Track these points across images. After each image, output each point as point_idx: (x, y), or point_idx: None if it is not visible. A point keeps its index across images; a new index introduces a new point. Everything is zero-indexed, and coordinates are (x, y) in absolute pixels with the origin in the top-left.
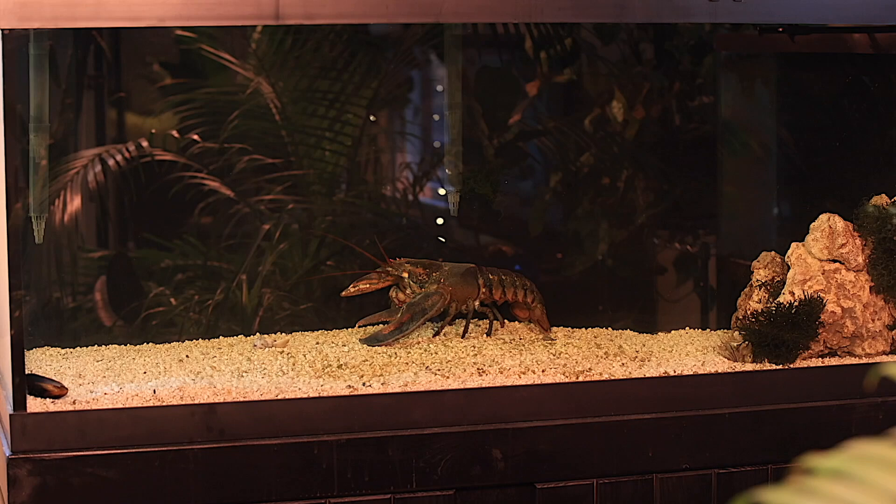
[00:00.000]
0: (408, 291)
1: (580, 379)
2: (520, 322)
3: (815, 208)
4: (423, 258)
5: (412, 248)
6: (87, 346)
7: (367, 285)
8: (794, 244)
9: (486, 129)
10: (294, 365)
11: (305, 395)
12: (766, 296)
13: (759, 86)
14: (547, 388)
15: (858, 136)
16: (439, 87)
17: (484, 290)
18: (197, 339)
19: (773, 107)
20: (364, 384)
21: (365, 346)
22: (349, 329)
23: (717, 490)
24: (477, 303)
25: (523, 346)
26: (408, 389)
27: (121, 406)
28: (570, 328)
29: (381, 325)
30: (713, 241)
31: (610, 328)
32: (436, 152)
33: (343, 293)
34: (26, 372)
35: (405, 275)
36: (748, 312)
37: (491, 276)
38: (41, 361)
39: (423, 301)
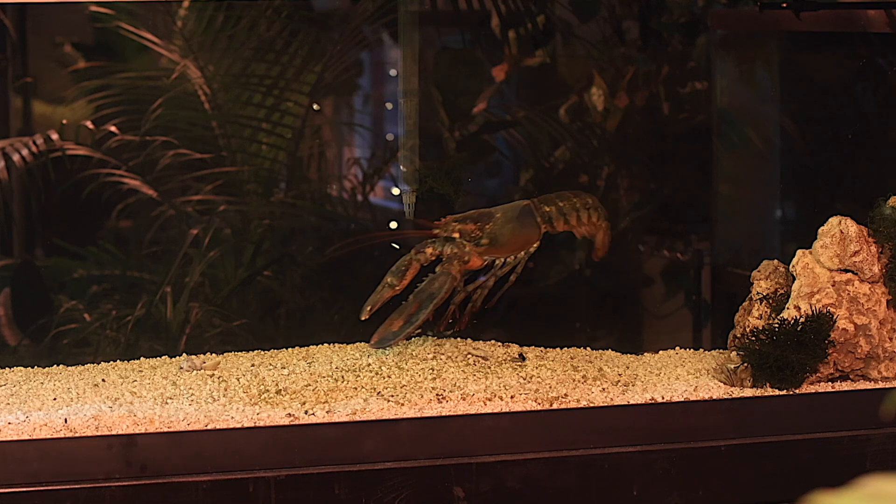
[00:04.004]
0: (465, 249)
1: (554, 406)
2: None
3: (824, 210)
4: (472, 210)
5: (362, 254)
6: None
7: (389, 293)
8: (799, 252)
9: (446, 120)
10: (226, 390)
11: (239, 425)
12: (768, 311)
13: (760, 70)
14: (516, 416)
15: (873, 128)
16: (393, 72)
17: (545, 226)
18: (115, 361)
19: (775, 94)
20: (306, 412)
21: (377, 350)
22: (288, 349)
23: None
24: (538, 244)
25: (489, 368)
26: (357, 418)
27: (27, 437)
28: (542, 348)
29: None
30: (707, 248)
31: (589, 348)
32: (389, 146)
33: (363, 316)
34: None
35: (456, 235)
36: (747, 330)
37: (547, 209)
38: None
39: (428, 286)
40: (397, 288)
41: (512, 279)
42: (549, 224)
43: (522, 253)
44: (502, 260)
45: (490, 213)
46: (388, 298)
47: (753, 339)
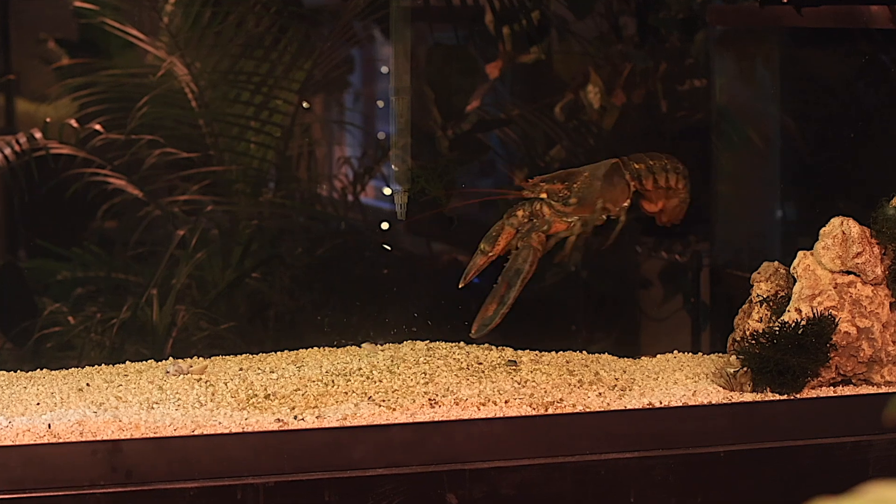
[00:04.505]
0: (546, 217)
1: (550, 411)
2: (647, 214)
3: (826, 211)
4: (559, 170)
5: (352, 257)
6: None
7: (482, 259)
8: (801, 253)
9: (439, 118)
10: (213, 395)
11: (227, 431)
12: (769, 314)
13: (760, 67)
14: (511, 422)
15: (876, 126)
16: (384, 69)
17: (634, 183)
18: (99, 365)
19: (776, 92)
20: (296, 418)
21: (479, 335)
22: (278, 353)
23: None
24: (628, 203)
25: (482, 372)
26: (347, 424)
27: (10, 443)
28: (537, 351)
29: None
30: (706, 249)
31: (585, 352)
32: (380, 145)
33: (460, 285)
34: None
35: (544, 195)
36: (747, 333)
37: (637, 166)
38: None
39: (513, 263)
40: (490, 254)
41: (619, 226)
42: (639, 181)
43: (617, 209)
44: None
45: (578, 171)
46: (481, 265)
47: (753, 342)
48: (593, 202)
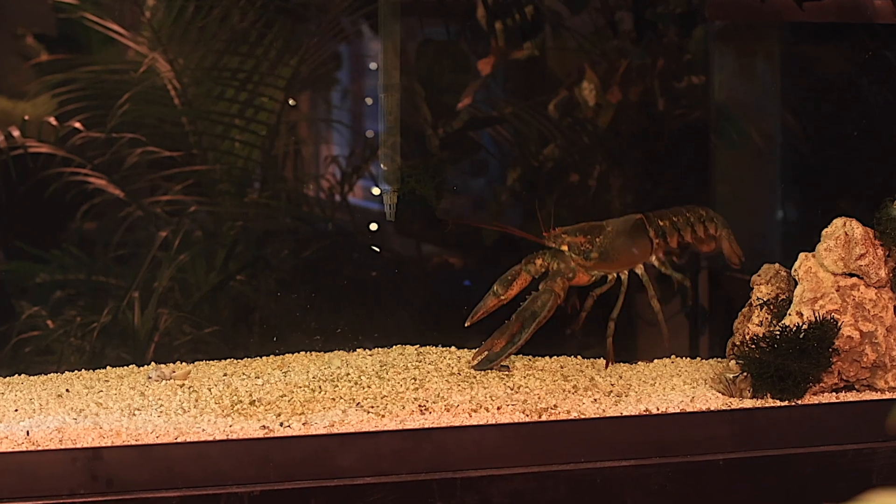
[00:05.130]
0: (571, 265)
1: (543, 418)
2: (704, 251)
3: (828, 211)
4: (582, 223)
5: (340, 258)
6: None
7: (493, 301)
8: (802, 255)
9: (429, 116)
10: (197, 401)
11: (211, 438)
12: (769, 317)
13: (761, 63)
14: (503, 429)
15: (880, 124)
16: (373, 65)
17: (657, 241)
18: (79, 370)
19: (776, 88)
20: (282, 424)
21: (478, 371)
22: (263, 358)
23: None
24: (654, 258)
25: (474, 377)
26: (335, 431)
27: None
28: (530, 356)
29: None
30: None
31: (579, 356)
32: (368, 143)
33: (467, 323)
34: None
35: (565, 248)
36: (747, 337)
37: (661, 223)
38: None
39: (531, 305)
40: (503, 297)
41: (650, 289)
42: (663, 238)
43: (640, 269)
44: (614, 275)
45: (601, 225)
46: (492, 307)
47: (753, 346)
48: (615, 258)
